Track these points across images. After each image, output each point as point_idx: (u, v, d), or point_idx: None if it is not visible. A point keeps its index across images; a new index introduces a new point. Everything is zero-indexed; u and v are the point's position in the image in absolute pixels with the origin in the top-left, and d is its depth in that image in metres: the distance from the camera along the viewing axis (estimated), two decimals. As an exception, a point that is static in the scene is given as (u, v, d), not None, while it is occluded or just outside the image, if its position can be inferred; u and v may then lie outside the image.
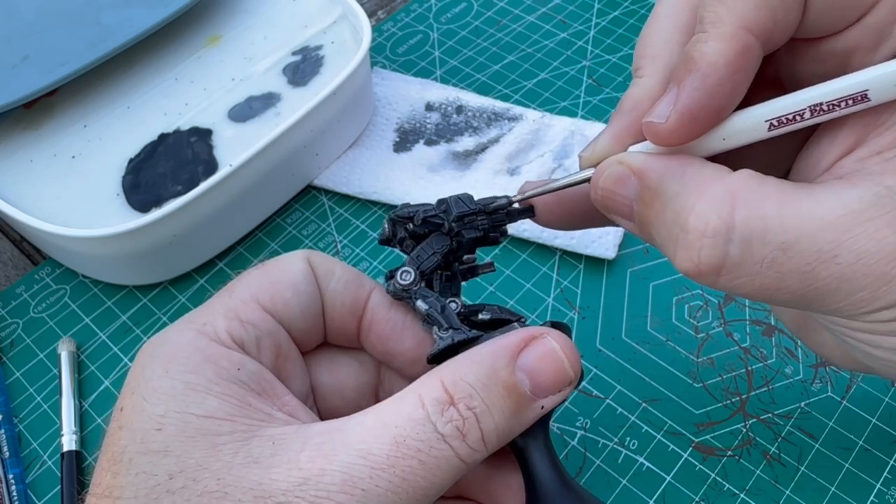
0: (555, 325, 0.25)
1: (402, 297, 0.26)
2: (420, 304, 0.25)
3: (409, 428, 0.21)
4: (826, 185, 0.21)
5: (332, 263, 0.27)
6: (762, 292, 0.21)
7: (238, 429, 0.22)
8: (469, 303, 0.27)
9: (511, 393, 0.22)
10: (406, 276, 0.25)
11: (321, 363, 0.28)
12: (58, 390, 0.36)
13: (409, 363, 0.27)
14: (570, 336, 0.25)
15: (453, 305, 0.26)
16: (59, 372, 0.36)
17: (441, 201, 0.26)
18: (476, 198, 0.26)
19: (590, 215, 0.25)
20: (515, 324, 0.25)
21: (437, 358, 0.24)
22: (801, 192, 0.20)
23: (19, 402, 0.36)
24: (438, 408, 0.21)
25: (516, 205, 0.26)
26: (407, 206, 0.26)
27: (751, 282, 0.21)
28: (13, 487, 0.33)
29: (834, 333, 0.24)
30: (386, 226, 0.27)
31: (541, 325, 0.25)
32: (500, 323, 0.26)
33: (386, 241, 0.27)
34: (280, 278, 0.26)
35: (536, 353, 0.23)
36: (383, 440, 0.21)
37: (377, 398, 0.28)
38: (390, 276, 0.26)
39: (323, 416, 0.27)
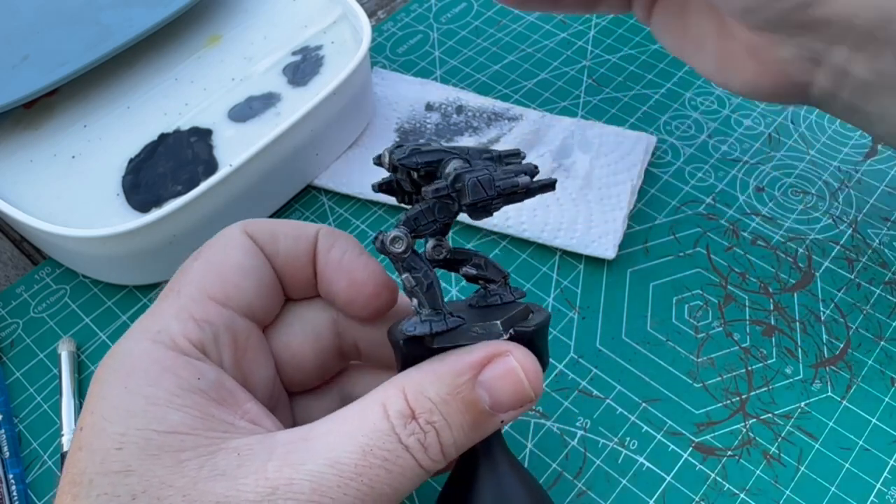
0: (530, 309, 0.24)
1: (389, 258, 0.24)
2: (406, 277, 0.23)
3: (376, 438, 0.21)
4: None
5: (272, 224, 0.26)
6: None
7: (202, 443, 0.21)
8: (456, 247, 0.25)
9: (471, 409, 0.23)
10: (398, 244, 0.23)
11: (279, 338, 0.27)
12: (58, 390, 0.36)
13: (344, 304, 0.26)
14: (548, 320, 0.25)
15: (440, 249, 0.25)
16: (59, 372, 0.36)
17: (458, 178, 0.22)
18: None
19: None
20: (498, 324, 0.24)
21: (411, 340, 0.23)
22: None
23: (19, 402, 0.36)
24: (402, 421, 0.22)
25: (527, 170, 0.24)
26: (417, 151, 0.23)
27: None
28: (13, 487, 0.33)
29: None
30: (386, 159, 0.24)
31: (520, 305, 0.25)
32: (483, 280, 0.25)
33: (380, 165, 0.25)
34: (223, 263, 0.25)
35: (498, 371, 0.23)
36: (351, 449, 0.21)
37: (341, 352, 0.28)
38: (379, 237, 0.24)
39: (287, 387, 0.27)
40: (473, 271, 0.25)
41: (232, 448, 0.21)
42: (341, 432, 0.22)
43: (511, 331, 0.23)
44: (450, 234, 0.26)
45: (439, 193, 0.22)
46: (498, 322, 0.23)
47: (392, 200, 0.41)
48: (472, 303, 0.26)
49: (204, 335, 0.24)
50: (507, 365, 0.23)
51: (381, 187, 0.25)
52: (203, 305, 0.24)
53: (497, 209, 0.23)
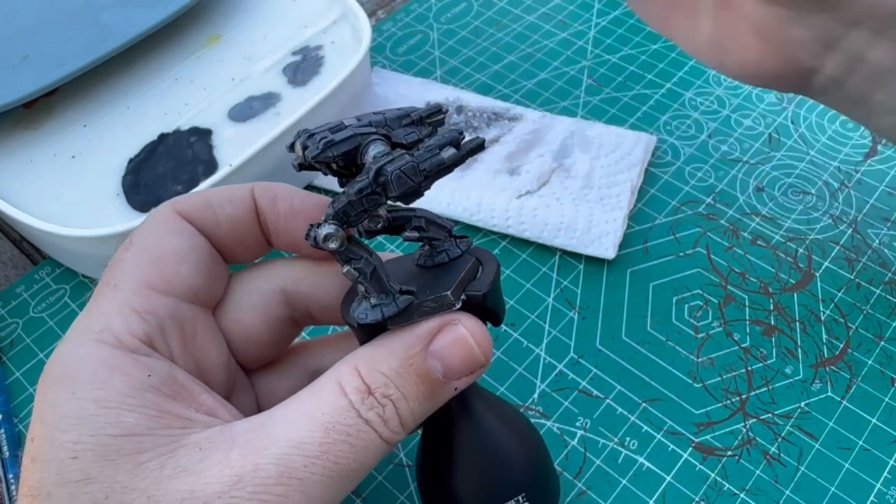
0: (479, 261, 0.25)
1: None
2: (348, 270, 0.22)
3: (337, 415, 0.22)
4: None
5: (204, 196, 0.25)
6: None
7: (160, 442, 0.21)
8: (398, 210, 0.24)
9: (424, 379, 0.23)
10: (332, 241, 0.22)
11: (228, 316, 0.26)
12: (58, 390, 0.36)
13: (314, 251, 0.25)
14: (498, 271, 0.24)
15: (377, 220, 0.24)
16: (59, 372, 0.36)
17: (379, 172, 0.21)
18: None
19: None
20: (449, 294, 0.23)
21: (367, 327, 0.23)
22: None
23: (19, 402, 0.36)
24: (360, 396, 0.22)
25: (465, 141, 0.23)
26: (330, 143, 0.21)
27: None
28: (13, 487, 0.33)
29: None
30: (300, 154, 0.22)
31: (469, 260, 0.24)
32: (427, 240, 0.25)
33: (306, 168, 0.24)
34: (159, 250, 0.24)
35: (447, 340, 0.23)
36: (313, 429, 0.21)
37: (293, 321, 0.27)
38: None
39: (244, 365, 0.27)
40: (416, 234, 0.24)
41: (192, 443, 0.21)
42: (300, 414, 0.22)
43: (463, 296, 0.23)
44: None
45: (363, 193, 0.21)
46: (448, 292, 0.23)
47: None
48: (420, 262, 0.25)
49: (149, 328, 0.23)
50: (456, 333, 0.23)
51: (301, 166, 0.24)
52: (144, 297, 0.23)
53: (427, 188, 0.22)
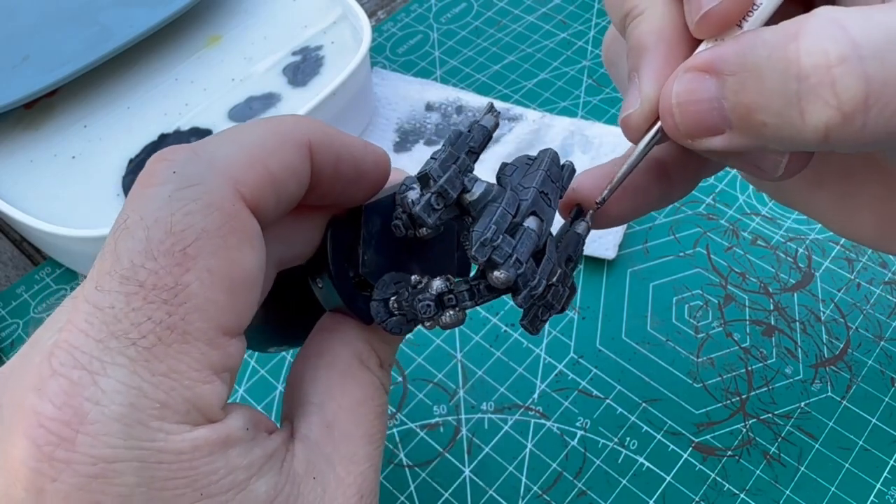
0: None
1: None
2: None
3: (375, 394, 0.22)
4: None
5: (264, 167, 0.19)
6: None
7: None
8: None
9: None
10: (427, 309, 0.21)
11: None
12: (58, 390, 0.36)
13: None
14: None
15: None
16: (60, 372, 0.36)
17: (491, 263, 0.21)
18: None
19: (648, 195, 0.24)
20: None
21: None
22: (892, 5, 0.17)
23: (19, 403, 0.36)
24: (382, 371, 0.23)
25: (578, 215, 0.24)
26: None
27: None
28: (13, 487, 0.33)
29: None
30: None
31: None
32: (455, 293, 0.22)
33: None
34: (232, 274, 0.18)
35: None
36: (371, 418, 0.22)
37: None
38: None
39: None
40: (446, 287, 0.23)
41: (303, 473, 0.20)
42: (345, 407, 0.22)
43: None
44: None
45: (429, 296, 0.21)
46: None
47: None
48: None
49: (228, 390, 0.18)
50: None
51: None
52: (222, 349, 0.18)
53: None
